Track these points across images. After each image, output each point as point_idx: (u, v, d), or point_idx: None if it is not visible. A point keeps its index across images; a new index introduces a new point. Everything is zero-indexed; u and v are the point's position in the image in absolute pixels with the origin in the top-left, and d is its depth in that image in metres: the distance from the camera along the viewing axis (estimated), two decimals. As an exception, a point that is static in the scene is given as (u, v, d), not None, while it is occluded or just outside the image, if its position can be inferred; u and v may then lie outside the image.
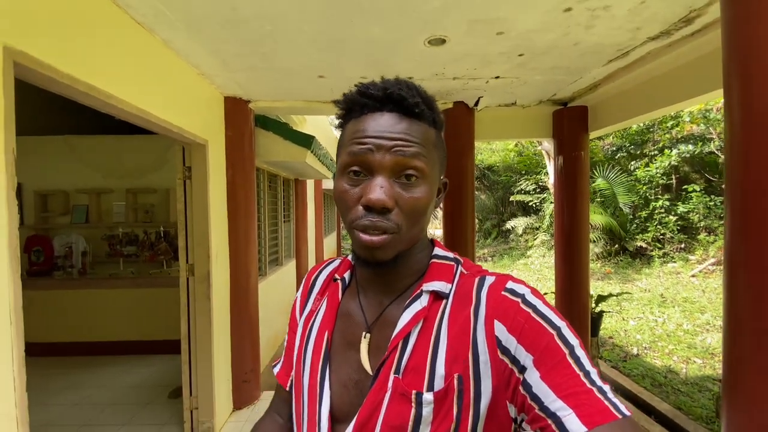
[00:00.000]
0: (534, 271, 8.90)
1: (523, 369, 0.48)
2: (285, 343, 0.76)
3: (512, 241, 11.16)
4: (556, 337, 0.48)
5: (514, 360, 0.49)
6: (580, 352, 0.48)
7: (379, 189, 0.51)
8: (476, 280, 0.56)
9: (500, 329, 0.50)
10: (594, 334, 3.34)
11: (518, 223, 10.74)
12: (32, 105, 3.56)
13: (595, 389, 0.45)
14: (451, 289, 0.57)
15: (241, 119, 2.91)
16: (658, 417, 3.02)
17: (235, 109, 2.87)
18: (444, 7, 1.68)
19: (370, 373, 0.56)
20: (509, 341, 0.50)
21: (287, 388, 0.72)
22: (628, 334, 5.13)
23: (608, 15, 1.75)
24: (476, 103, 3.01)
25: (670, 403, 3.24)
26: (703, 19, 1.80)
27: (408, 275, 0.60)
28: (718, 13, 1.64)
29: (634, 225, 8.49)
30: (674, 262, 7.75)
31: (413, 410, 0.51)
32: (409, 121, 0.54)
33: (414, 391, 0.51)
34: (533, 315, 0.50)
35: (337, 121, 0.60)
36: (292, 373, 0.70)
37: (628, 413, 0.44)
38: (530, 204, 10.65)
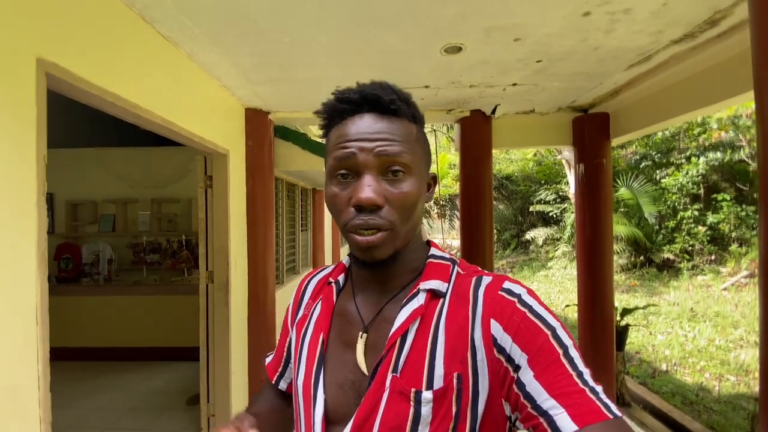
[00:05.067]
0: (555, 283, 8.67)
1: (517, 368, 0.49)
2: (278, 341, 0.79)
3: (532, 252, 10.93)
4: (550, 337, 0.49)
5: (509, 359, 0.49)
6: (574, 353, 0.48)
7: (367, 187, 0.52)
8: (473, 279, 0.57)
9: (496, 328, 0.51)
10: (619, 349, 3.22)
11: (538, 234, 10.53)
12: (67, 118, 3.73)
13: (587, 389, 0.45)
14: (448, 288, 0.57)
15: (261, 130, 2.97)
16: (690, 437, 2.87)
17: (256, 119, 2.93)
18: (460, 15, 1.68)
19: (366, 373, 0.56)
20: (505, 340, 0.50)
21: (274, 382, 0.77)
22: (656, 349, 4.93)
23: (629, 18, 1.72)
24: (493, 111, 2.99)
25: (702, 422, 3.08)
26: (729, 21, 1.75)
27: (404, 274, 0.60)
28: (745, 14, 1.59)
29: (661, 236, 8.19)
30: (704, 274, 7.44)
31: (412, 409, 0.50)
32: (388, 119, 0.55)
33: (413, 389, 0.51)
34: (529, 315, 0.51)
35: (321, 131, 0.61)
36: (286, 373, 0.75)
37: (619, 414, 0.44)
38: (550, 214, 10.44)
